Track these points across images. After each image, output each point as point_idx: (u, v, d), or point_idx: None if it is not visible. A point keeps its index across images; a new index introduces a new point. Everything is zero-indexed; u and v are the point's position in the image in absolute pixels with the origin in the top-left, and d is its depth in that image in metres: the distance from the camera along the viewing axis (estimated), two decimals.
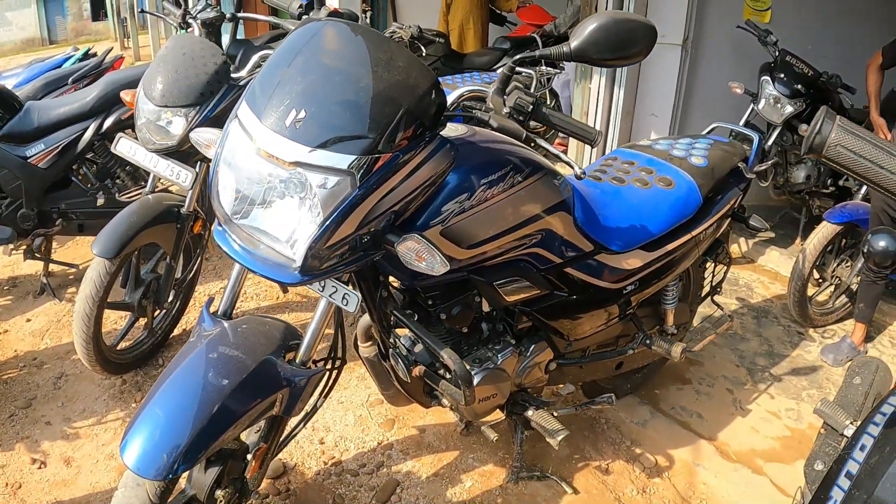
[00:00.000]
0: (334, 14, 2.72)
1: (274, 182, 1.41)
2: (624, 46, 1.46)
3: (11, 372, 3.06)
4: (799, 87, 4.25)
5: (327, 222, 1.37)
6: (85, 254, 4.18)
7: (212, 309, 1.79)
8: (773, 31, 4.35)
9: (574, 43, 1.45)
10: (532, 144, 1.73)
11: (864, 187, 3.82)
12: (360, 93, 1.40)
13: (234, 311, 1.89)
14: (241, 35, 5.62)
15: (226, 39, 3.28)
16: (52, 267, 3.77)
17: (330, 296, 1.63)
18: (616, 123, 4.64)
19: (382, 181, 1.41)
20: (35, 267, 3.91)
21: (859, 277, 3.64)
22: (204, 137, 1.84)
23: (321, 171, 1.36)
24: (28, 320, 3.50)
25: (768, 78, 4.16)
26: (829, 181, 4.55)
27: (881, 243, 0.73)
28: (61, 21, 16.75)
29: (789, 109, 4.19)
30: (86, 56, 5.51)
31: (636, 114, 4.68)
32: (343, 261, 1.46)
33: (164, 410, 1.48)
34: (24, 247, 3.54)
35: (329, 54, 1.48)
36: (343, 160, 1.36)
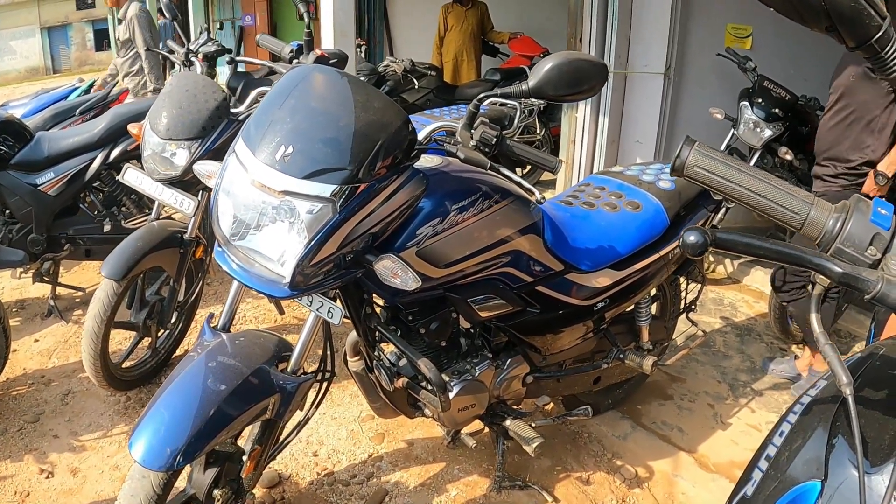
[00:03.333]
0: (322, 58, 2.91)
1: (266, 208, 1.58)
2: (578, 83, 1.63)
3: (20, 388, 3.19)
4: (777, 111, 4.34)
5: (312, 243, 1.55)
6: (91, 278, 4.34)
7: (212, 323, 1.95)
8: (755, 57, 4.46)
9: (532, 82, 1.62)
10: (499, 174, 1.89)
11: None
12: (341, 130, 1.58)
13: (233, 328, 2.06)
14: (241, 68, 5.83)
15: (227, 71, 3.46)
16: (59, 290, 3.91)
17: (317, 310, 1.80)
18: (602, 150, 4.77)
19: (361, 206, 1.58)
20: (42, 290, 4.06)
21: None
22: (206, 169, 2.02)
23: (307, 198, 1.54)
24: (36, 340, 3.65)
25: (747, 103, 4.29)
26: None
27: (691, 238, 0.88)
28: (65, 50, 17.03)
29: (768, 133, 4.30)
30: (91, 88, 5.72)
31: (621, 141, 4.81)
32: (328, 277, 1.63)
33: (168, 411, 1.64)
34: (33, 270, 3.69)
35: (315, 97, 1.67)
36: (326, 189, 1.54)
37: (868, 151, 3.07)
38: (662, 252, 2.45)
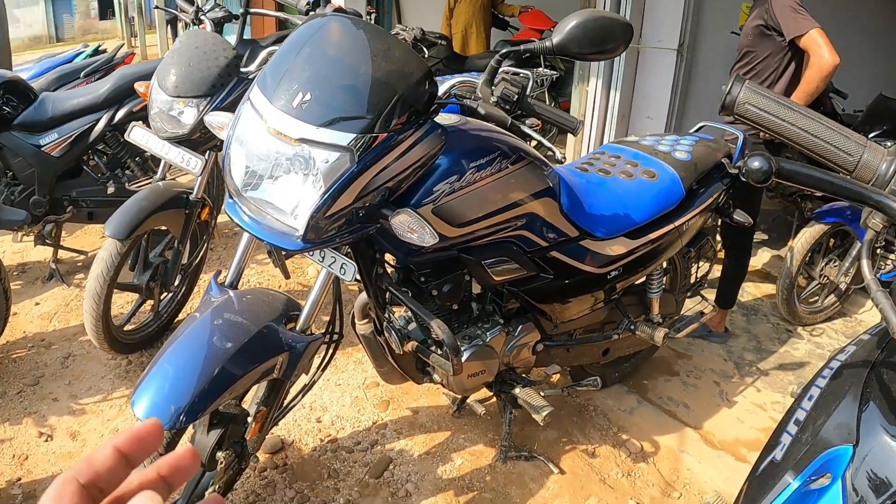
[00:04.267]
0: (339, 11, 2.85)
1: (281, 158, 1.54)
2: (602, 41, 1.59)
3: (20, 352, 3.17)
4: None
5: (328, 193, 1.50)
6: (93, 242, 4.30)
7: (220, 279, 1.91)
8: None
9: (556, 38, 1.58)
10: (519, 132, 1.85)
11: None
12: (359, 79, 1.53)
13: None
14: (247, 35, 5.76)
15: (232, 39, 3.40)
16: (60, 254, 3.88)
17: (329, 265, 1.76)
18: (612, 125, 4.72)
19: (378, 158, 1.53)
20: (44, 253, 4.03)
21: (847, 278, 3.73)
22: (217, 120, 1.97)
23: (324, 147, 1.49)
24: (37, 304, 3.62)
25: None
26: None
27: (756, 164, 0.85)
28: (69, 19, 16.89)
29: None
30: (95, 52, 5.65)
31: (632, 116, 4.76)
32: (341, 231, 1.58)
33: (172, 367, 1.61)
34: (35, 233, 3.64)
35: (333, 45, 1.61)
36: (344, 137, 1.49)
37: None
38: (677, 223, 2.41)
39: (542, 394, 2.32)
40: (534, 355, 2.34)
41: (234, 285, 1.93)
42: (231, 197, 1.62)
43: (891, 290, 0.88)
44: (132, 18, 13.29)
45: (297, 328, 1.81)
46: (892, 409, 0.92)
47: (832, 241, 3.88)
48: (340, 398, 2.91)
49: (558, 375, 2.71)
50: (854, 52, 4.35)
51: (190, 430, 1.91)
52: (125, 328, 3.13)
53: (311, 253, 1.66)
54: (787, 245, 4.75)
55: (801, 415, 1.11)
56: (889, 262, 3.92)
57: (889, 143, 3.60)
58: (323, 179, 1.49)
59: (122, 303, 3.46)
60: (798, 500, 0.98)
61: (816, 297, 3.98)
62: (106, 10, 16.71)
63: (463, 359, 2.01)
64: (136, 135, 2.90)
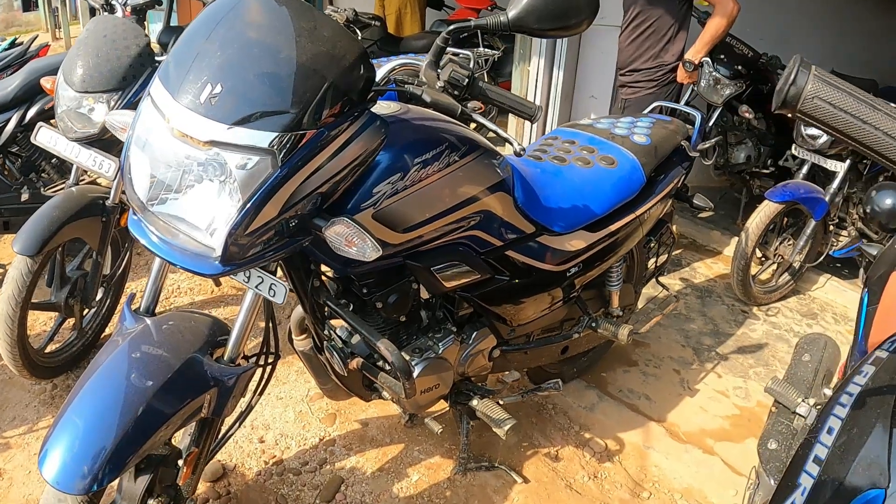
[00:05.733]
0: None
1: (191, 165, 1.31)
2: (565, 16, 1.41)
3: None
4: (739, 68, 4.29)
5: (247, 206, 1.28)
6: (10, 253, 3.99)
7: (134, 305, 1.68)
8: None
9: (512, 12, 1.39)
10: (470, 122, 1.66)
11: (805, 167, 3.86)
12: (281, 64, 1.31)
13: (162, 306, 1.78)
14: (174, 22, 5.45)
15: (158, 27, 3.14)
16: None
17: (256, 287, 1.54)
18: (556, 105, 4.64)
19: (307, 160, 1.32)
20: None
21: (801, 256, 3.72)
22: (119, 121, 1.73)
23: (240, 150, 1.27)
24: None
25: (708, 59, 4.18)
26: (769, 161, 4.64)
27: (888, 201, 0.68)
28: None
29: (729, 90, 4.22)
30: (12, 46, 5.28)
31: (575, 95, 4.70)
32: (268, 248, 1.37)
33: (82, 418, 1.37)
34: None
35: (250, 25, 1.38)
36: (263, 138, 1.27)
37: (668, 57, 3.66)
38: (638, 212, 2.28)
39: (500, 402, 2.16)
40: (490, 362, 2.19)
41: (150, 311, 1.69)
42: (135, 213, 1.40)
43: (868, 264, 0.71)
44: (56, 9, 12.77)
45: (226, 357, 1.59)
46: None
47: (785, 219, 3.84)
48: (283, 413, 2.71)
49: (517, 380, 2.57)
50: (802, 27, 4.31)
51: None
52: (46, 350, 2.87)
53: (233, 274, 1.43)
54: (737, 223, 4.73)
55: (821, 451, 0.95)
56: (842, 238, 3.91)
57: None
58: (241, 189, 1.27)
59: (45, 319, 3.18)
60: None
61: (771, 277, 3.96)
62: (29, 1, 15.98)
63: (415, 374, 1.83)
64: (43, 136, 2.64)
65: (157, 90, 1.35)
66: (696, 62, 3.67)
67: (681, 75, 3.71)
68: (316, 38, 1.35)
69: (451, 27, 1.49)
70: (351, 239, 1.39)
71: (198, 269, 1.34)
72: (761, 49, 4.52)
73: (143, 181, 1.36)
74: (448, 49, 1.62)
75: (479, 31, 1.50)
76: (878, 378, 0.99)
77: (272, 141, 1.27)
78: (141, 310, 1.69)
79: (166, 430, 1.45)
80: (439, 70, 1.52)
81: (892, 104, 0.77)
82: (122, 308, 1.71)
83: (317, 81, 1.31)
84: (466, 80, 1.50)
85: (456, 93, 1.50)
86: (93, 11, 10.11)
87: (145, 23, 3.28)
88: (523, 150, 1.52)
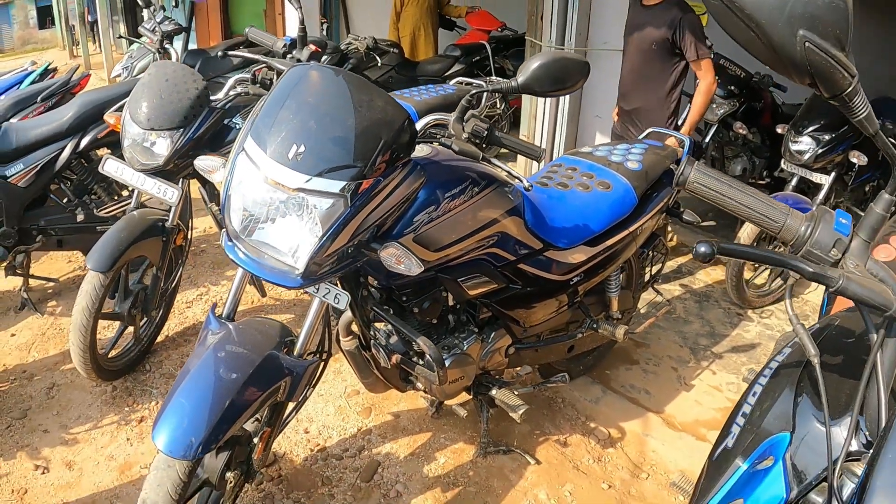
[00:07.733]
0: (315, 54, 2.96)
1: (276, 203, 1.68)
2: (562, 80, 1.78)
3: (3, 385, 3.17)
4: (732, 87, 4.55)
5: (325, 236, 1.66)
6: (60, 268, 4.28)
7: (217, 312, 2.04)
8: (711, 35, 4.58)
9: (521, 79, 1.76)
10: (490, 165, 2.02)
11: (794, 179, 4.14)
12: (348, 130, 1.68)
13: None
14: (192, 44, 5.71)
15: (178, 48, 3.43)
16: (30, 282, 3.84)
17: (324, 296, 1.92)
18: (563, 125, 4.90)
19: (368, 201, 1.69)
20: (10, 283, 3.98)
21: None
22: (207, 164, 2.09)
23: (319, 194, 1.65)
24: (13, 335, 3.60)
25: None
26: (764, 172, 4.86)
27: (702, 249, 1.05)
28: (7, 29, 16.47)
29: (723, 109, 4.50)
30: (45, 72, 5.59)
31: (581, 116, 4.94)
32: (334, 267, 1.74)
33: (188, 401, 1.74)
34: (5, 264, 3.62)
35: (317, 96, 1.76)
36: (336, 185, 1.65)
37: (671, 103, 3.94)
38: (631, 228, 2.61)
39: (516, 392, 2.51)
40: (506, 358, 2.53)
41: (231, 317, 2.07)
42: (230, 239, 1.76)
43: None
44: (73, 27, 12.97)
45: (295, 353, 1.96)
46: (821, 401, 1.12)
47: None
48: (324, 408, 3.05)
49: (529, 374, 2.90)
50: None
51: None
52: (109, 355, 3.18)
53: (309, 287, 1.81)
54: (735, 232, 5.01)
55: (746, 408, 1.31)
56: None
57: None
58: (321, 224, 1.64)
59: (102, 328, 3.51)
60: (747, 480, 1.18)
61: (764, 282, 4.16)
62: (45, 18, 16.29)
63: (446, 365, 2.18)
64: (110, 167, 2.96)
65: (251, 146, 1.71)
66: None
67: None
68: (372, 107, 1.73)
69: (474, 91, 1.86)
70: (400, 258, 1.76)
71: (284, 283, 1.70)
72: (753, 69, 4.73)
73: (238, 215, 1.73)
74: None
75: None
76: (791, 356, 1.35)
77: (343, 187, 1.65)
78: (223, 316, 2.06)
79: (251, 412, 1.82)
80: (464, 123, 1.88)
81: (751, 188, 1.16)
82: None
83: (374, 142, 1.69)
84: (486, 131, 1.87)
85: (478, 141, 1.87)
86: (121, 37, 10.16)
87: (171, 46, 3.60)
88: (530, 186, 1.89)
